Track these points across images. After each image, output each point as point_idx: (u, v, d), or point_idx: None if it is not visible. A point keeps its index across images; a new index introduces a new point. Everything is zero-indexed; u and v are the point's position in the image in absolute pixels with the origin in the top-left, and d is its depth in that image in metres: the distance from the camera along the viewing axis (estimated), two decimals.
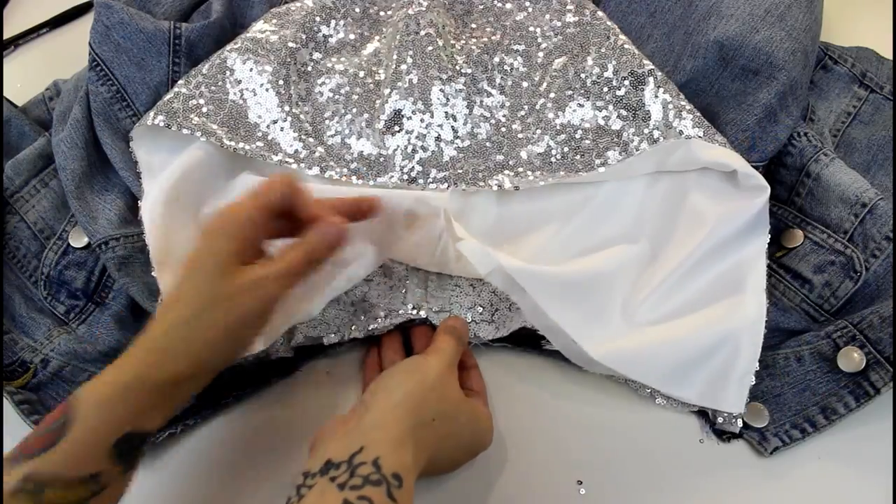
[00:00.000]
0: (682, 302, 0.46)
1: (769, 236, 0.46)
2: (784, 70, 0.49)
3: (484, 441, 0.43)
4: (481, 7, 0.58)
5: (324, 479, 0.33)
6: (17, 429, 0.45)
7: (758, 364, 0.44)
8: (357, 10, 0.58)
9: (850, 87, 0.58)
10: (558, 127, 0.52)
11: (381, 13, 0.59)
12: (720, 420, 0.45)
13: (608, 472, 0.45)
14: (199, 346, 0.35)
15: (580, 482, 0.44)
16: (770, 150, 0.50)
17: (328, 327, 0.48)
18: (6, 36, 0.69)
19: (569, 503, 0.44)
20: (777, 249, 0.49)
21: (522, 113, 0.54)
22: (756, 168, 0.50)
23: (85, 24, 0.70)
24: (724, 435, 0.45)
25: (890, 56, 0.60)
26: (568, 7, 0.56)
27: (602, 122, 0.51)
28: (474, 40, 0.56)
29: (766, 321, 0.46)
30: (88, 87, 0.54)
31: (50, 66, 0.64)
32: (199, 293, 0.35)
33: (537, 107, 0.53)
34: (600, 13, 0.56)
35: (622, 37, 0.53)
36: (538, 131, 0.52)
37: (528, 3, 0.58)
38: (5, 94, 0.61)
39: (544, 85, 0.54)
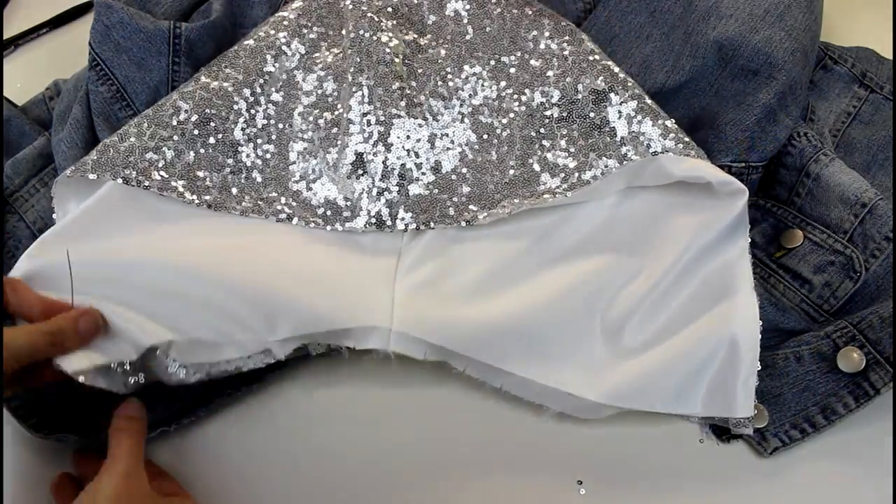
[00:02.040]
0: (670, 316, 0.45)
1: (749, 238, 0.45)
2: (784, 70, 0.49)
3: None
4: (448, 35, 0.56)
5: None
6: (14, 430, 0.45)
7: (759, 364, 0.44)
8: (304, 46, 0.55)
9: (850, 87, 0.58)
10: (525, 153, 0.51)
11: (334, 49, 0.55)
12: (732, 424, 0.44)
13: (608, 473, 0.45)
14: None
15: (580, 482, 0.44)
16: (770, 150, 0.50)
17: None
18: (6, 36, 0.69)
19: (569, 503, 0.44)
20: (777, 249, 0.49)
21: (487, 142, 0.52)
22: (755, 168, 0.50)
23: (85, 24, 0.70)
24: (723, 435, 0.45)
25: (890, 56, 0.60)
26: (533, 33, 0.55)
27: (568, 146, 0.50)
28: (435, 71, 0.54)
29: (766, 321, 0.45)
30: (88, 86, 0.54)
31: (50, 66, 0.64)
32: None
33: (503, 135, 0.52)
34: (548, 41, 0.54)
35: (588, 46, 0.52)
36: (505, 159, 0.51)
37: (488, 28, 0.55)
38: (5, 94, 0.61)
39: (511, 115, 0.52)
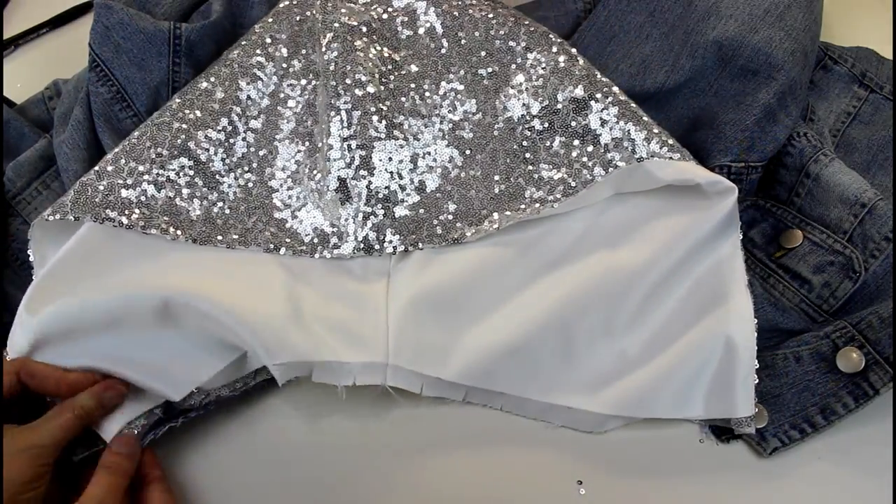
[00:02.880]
0: (667, 319, 0.46)
1: (741, 235, 0.46)
2: (783, 70, 0.49)
3: None
4: (424, 50, 0.55)
5: None
6: None
7: (756, 363, 0.44)
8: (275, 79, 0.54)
9: (849, 87, 0.58)
10: (509, 168, 0.50)
11: (310, 71, 0.54)
12: (734, 423, 0.44)
13: (608, 472, 0.45)
14: None
15: (580, 482, 0.44)
16: (769, 150, 0.50)
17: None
18: (6, 36, 0.69)
19: (569, 503, 0.44)
20: (776, 250, 0.50)
21: (470, 158, 0.51)
22: (755, 168, 0.50)
23: (85, 24, 0.70)
24: (723, 435, 0.45)
25: (890, 56, 0.60)
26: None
27: (553, 157, 0.49)
28: (413, 89, 0.53)
29: (765, 321, 0.46)
30: (89, 87, 0.54)
31: (50, 66, 0.64)
32: None
33: (486, 150, 0.51)
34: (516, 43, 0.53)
35: (563, 56, 0.51)
36: (490, 175, 0.50)
37: (463, 41, 0.54)
38: (5, 93, 0.61)
39: (492, 129, 0.52)
